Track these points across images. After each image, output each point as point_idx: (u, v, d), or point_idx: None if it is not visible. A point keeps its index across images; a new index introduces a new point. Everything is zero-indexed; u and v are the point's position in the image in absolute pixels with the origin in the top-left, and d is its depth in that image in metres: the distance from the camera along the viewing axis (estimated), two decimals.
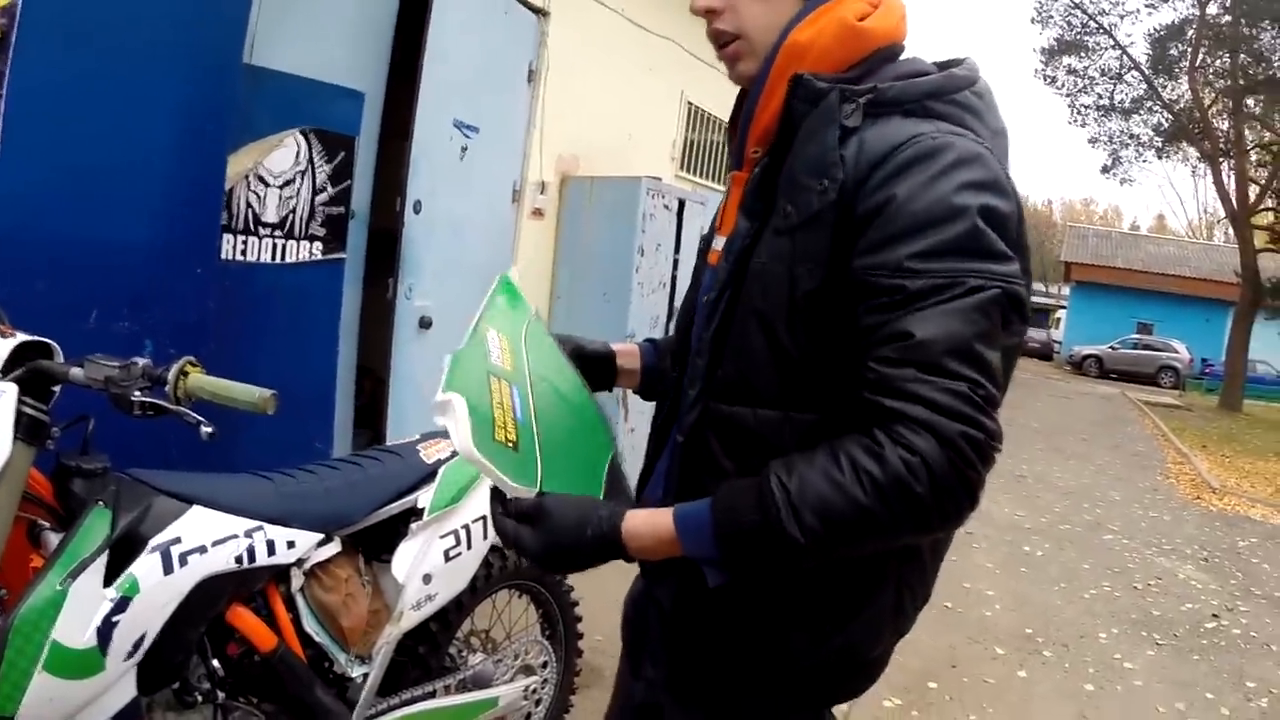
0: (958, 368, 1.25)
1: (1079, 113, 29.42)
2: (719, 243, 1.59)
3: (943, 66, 1.52)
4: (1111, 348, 35.54)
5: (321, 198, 3.72)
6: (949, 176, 1.33)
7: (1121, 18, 31.28)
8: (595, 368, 1.83)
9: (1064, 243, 44.23)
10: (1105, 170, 30.50)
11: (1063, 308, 46.16)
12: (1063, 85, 29.15)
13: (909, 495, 1.23)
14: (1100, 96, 28.53)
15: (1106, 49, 28.01)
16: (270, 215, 3.53)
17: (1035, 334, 44.76)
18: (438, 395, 1.33)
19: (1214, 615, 6.26)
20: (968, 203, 1.32)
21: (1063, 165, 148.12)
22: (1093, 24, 27.57)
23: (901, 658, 4.70)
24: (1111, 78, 28.20)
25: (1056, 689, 4.75)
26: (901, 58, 1.53)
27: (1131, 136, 28.72)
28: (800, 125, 1.44)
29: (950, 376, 1.25)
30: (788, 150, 1.45)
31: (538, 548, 1.38)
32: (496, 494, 1.42)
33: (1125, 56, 27.68)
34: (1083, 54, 28.39)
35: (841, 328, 1.35)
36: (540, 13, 5.52)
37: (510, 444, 1.37)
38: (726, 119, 1.63)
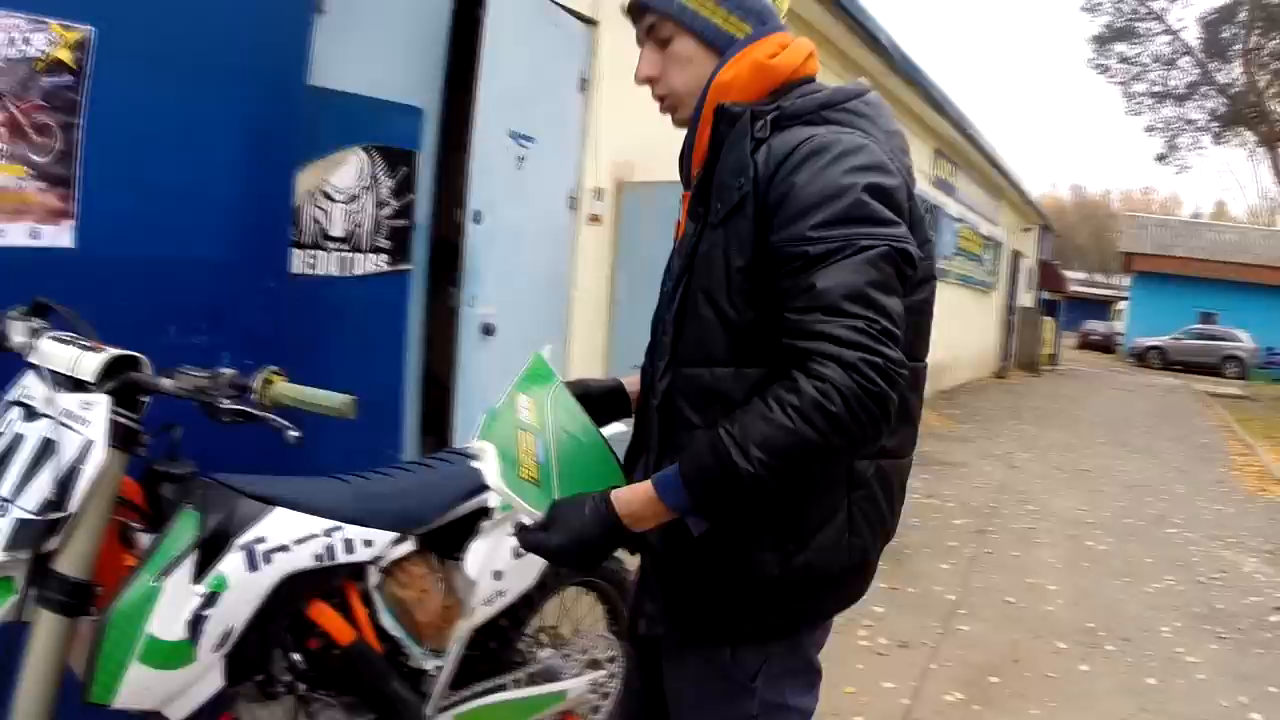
0: (854, 309, 1.56)
1: (1133, 101, 29.11)
2: (674, 251, 1.95)
3: None
4: (1174, 338, 34.94)
5: (385, 211, 3.84)
6: (837, 163, 1.66)
7: (1172, 2, 30.86)
8: (607, 402, 2.19)
9: (1123, 233, 43.36)
10: (1161, 158, 30.21)
11: (1124, 299, 45.28)
12: (1115, 73, 28.92)
13: (827, 414, 1.52)
14: (1153, 83, 28.28)
15: (1158, 34, 27.73)
16: (337, 230, 3.66)
17: (1096, 326, 44.09)
18: (473, 444, 1.78)
19: (1278, 608, 6.16)
20: (854, 181, 1.64)
21: (1120, 155, 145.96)
22: (1143, 9, 27.26)
23: (963, 652, 4.83)
24: (1164, 64, 27.95)
25: (1118, 683, 4.72)
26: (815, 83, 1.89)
27: (1188, 122, 28.36)
28: (724, 142, 1.79)
29: (848, 316, 1.55)
30: (716, 164, 1.80)
31: (558, 543, 1.67)
32: (520, 525, 1.75)
33: (1177, 41, 27.33)
34: (1134, 40, 28.10)
35: (768, 294, 1.67)
36: (590, 22, 5.60)
37: (532, 480, 1.76)
38: None
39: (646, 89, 1.94)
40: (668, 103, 1.93)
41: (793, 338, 1.60)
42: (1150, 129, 31.37)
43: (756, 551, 1.75)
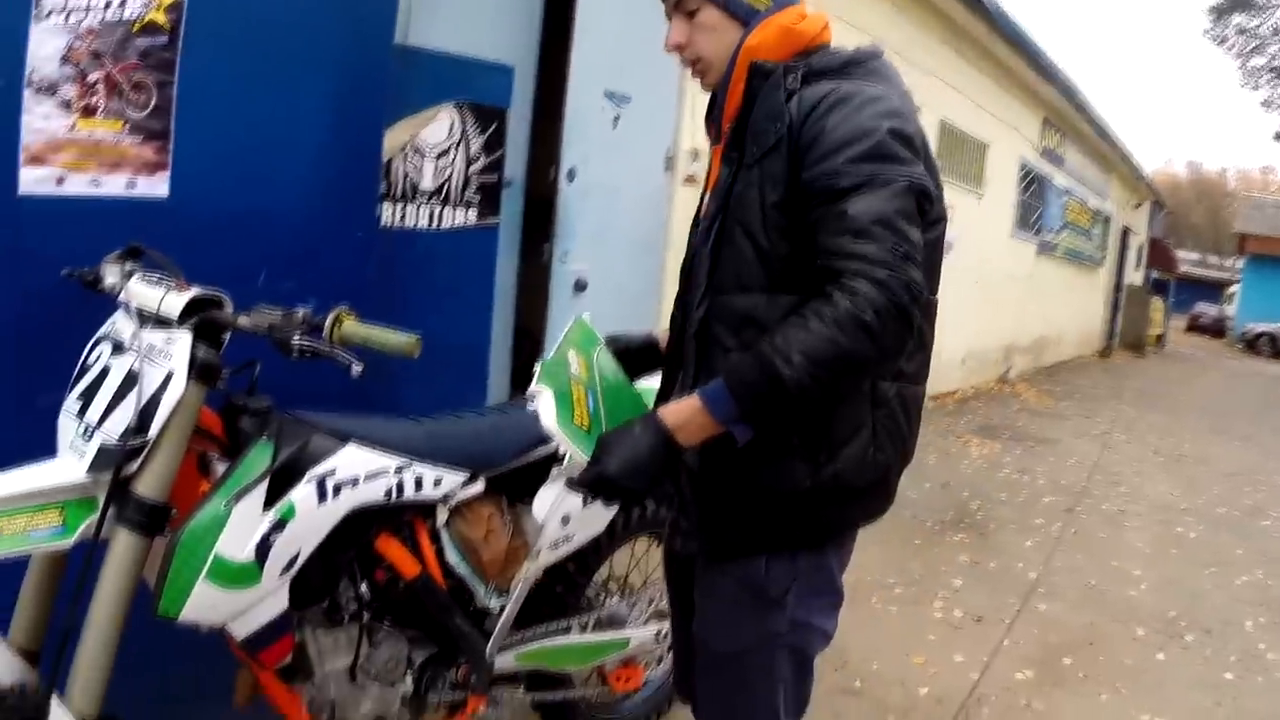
0: (881, 232, 1.71)
1: (1251, 75, 28.13)
2: (707, 198, 2.10)
3: None
4: None
5: (475, 167, 3.92)
6: (864, 109, 1.83)
7: None
8: (643, 355, 2.43)
9: (1239, 213, 41.87)
10: (1279, 136, 29.12)
11: (1236, 282, 43.76)
12: (1233, 45, 27.92)
13: (861, 323, 1.66)
14: (1273, 57, 27.22)
15: (1278, 6, 26.69)
16: (427, 184, 3.75)
17: (1206, 309, 42.69)
18: (532, 387, 1.95)
19: None
20: (878, 124, 1.81)
21: (1239, 131, 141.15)
22: None
23: (1038, 631, 4.83)
24: None
25: (1195, 676, 4.62)
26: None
27: None
28: (758, 95, 1.95)
29: (875, 239, 1.71)
30: (749, 114, 1.95)
31: (614, 466, 1.78)
32: (569, 479, 1.88)
33: None
34: (1253, 12, 27.08)
35: (800, 226, 1.83)
36: None
37: (584, 427, 1.91)
38: None
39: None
40: (698, 67, 2.08)
41: (827, 258, 1.75)
42: (1268, 104, 30.32)
43: (789, 463, 1.91)
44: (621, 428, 1.83)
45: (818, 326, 1.68)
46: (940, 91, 10.46)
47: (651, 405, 2.13)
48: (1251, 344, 34.26)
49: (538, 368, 1.97)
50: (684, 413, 1.81)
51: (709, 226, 2.02)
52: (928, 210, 1.86)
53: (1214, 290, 50.03)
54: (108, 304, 2.16)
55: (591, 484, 1.81)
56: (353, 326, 1.87)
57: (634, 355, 2.36)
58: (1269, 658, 4.93)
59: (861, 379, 1.88)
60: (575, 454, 1.86)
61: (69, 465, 1.93)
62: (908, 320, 1.70)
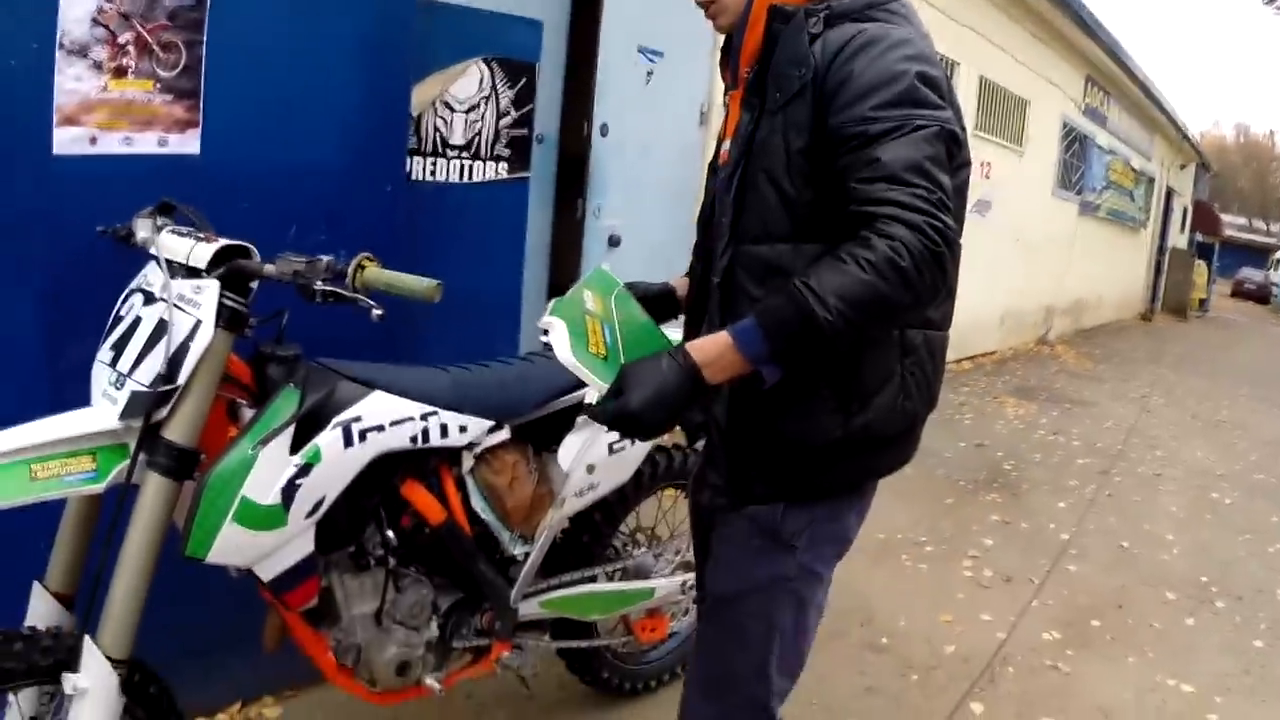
0: (914, 179, 1.68)
1: None
2: (726, 145, 2.04)
3: None
4: None
5: (505, 121, 3.93)
6: (891, 52, 1.79)
7: None
8: (660, 303, 2.34)
9: None
10: None
11: None
12: None
13: (898, 267, 1.63)
14: None
15: None
16: (457, 138, 3.76)
17: (1252, 275, 42.10)
18: (543, 319, 1.87)
19: None
20: (906, 68, 1.77)
21: None
22: None
23: (1067, 592, 4.83)
24: None
25: (1224, 641, 4.61)
26: None
27: None
28: (779, 39, 1.90)
29: (909, 185, 1.67)
30: (770, 58, 1.90)
31: (638, 402, 1.70)
32: (588, 406, 1.87)
33: None
34: None
35: (827, 173, 1.79)
36: None
37: (600, 355, 1.84)
38: None
39: None
40: (713, 8, 2.03)
41: (860, 204, 1.70)
42: None
43: (820, 415, 1.89)
44: (647, 359, 1.75)
45: (855, 270, 1.65)
46: (979, 47, 10.35)
47: (665, 339, 2.06)
48: None
49: (550, 303, 1.93)
50: (713, 349, 1.73)
51: (731, 174, 1.96)
52: (956, 154, 1.83)
53: (1260, 256, 49.33)
54: (141, 259, 2.20)
55: (613, 417, 1.73)
56: (375, 272, 1.89)
57: (651, 303, 2.25)
58: None
59: (894, 324, 1.87)
60: (593, 382, 1.79)
61: (102, 412, 1.96)
62: (943, 265, 1.68)
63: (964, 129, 1.91)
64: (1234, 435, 9.70)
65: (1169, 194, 23.63)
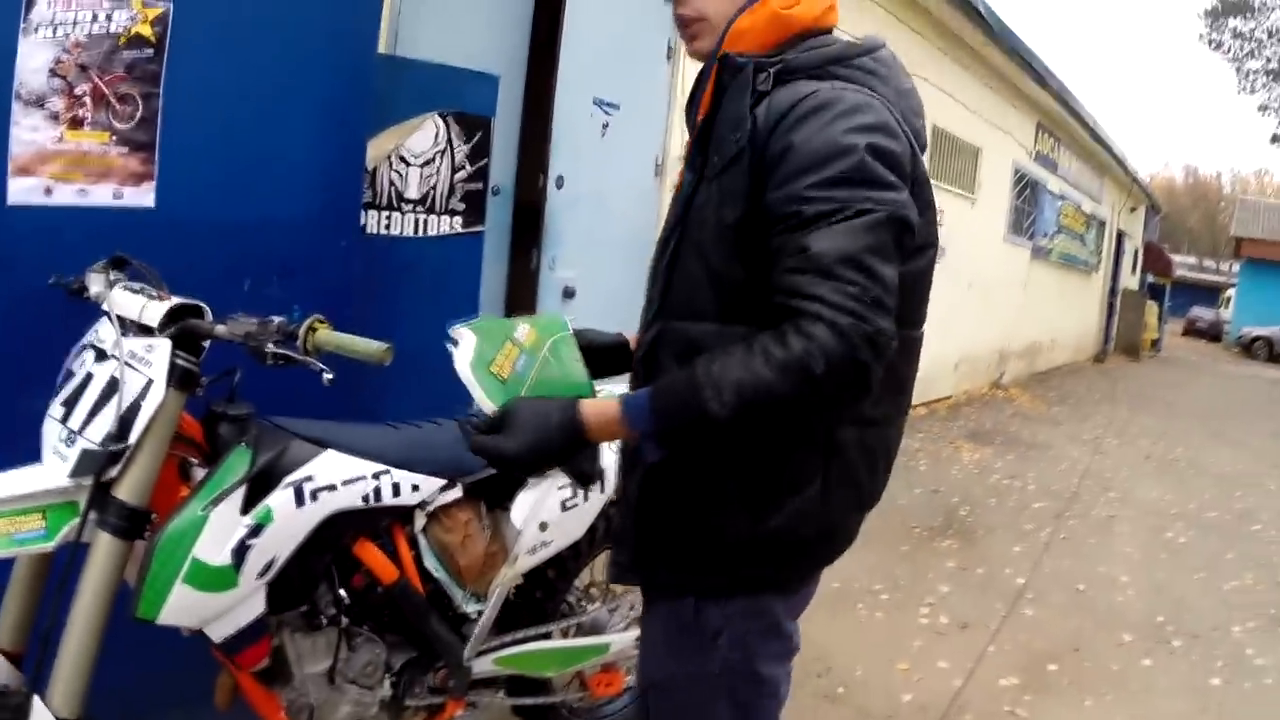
0: (848, 273, 1.52)
1: (1247, 78, 28.25)
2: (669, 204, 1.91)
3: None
4: None
5: (460, 175, 3.94)
6: (839, 122, 1.61)
7: None
8: (610, 355, 2.17)
9: (1234, 217, 41.83)
10: (1276, 139, 29.27)
11: (1232, 286, 43.73)
12: (1229, 49, 28.04)
13: (808, 373, 1.49)
14: (1269, 60, 27.33)
15: (1274, 9, 26.81)
16: (412, 192, 3.77)
17: (1203, 314, 42.72)
18: (454, 328, 1.82)
19: None
20: (855, 141, 1.59)
21: (1233, 135, 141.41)
22: None
23: (1024, 636, 4.85)
24: None
25: (1181, 680, 4.62)
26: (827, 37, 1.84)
27: None
28: (725, 93, 1.75)
29: (840, 280, 1.51)
30: (716, 115, 1.76)
31: (512, 446, 1.63)
32: (472, 427, 1.77)
33: None
34: (1249, 15, 27.19)
35: (758, 253, 1.63)
36: None
37: (501, 377, 1.75)
38: None
39: None
40: (692, 29, 1.86)
41: (785, 296, 1.56)
42: (1264, 108, 30.44)
43: (729, 511, 1.74)
44: (538, 401, 1.69)
45: (760, 367, 1.52)
46: (932, 96, 10.47)
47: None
48: (1248, 348, 34.21)
49: (477, 319, 1.88)
50: (602, 415, 1.65)
51: (665, 240, 1.84)
52: (906, 242, 1.65)
53: (1211, 294, 50.04)
54: (94, 312, 2.20)
55: (488, 453, 1.66)
56: (325, 335, 1.90)
57: (601, 354, 2.12)
58: (1257, 663, 4.92)
59: (808, 431, 1.71)
60: (481, 399, 1.72)
61: (52, 470, 1.96)
62: (865, 376, 1.53)
63: (931, 205, 1.79)
64: (1187, 473, 9.79)
65: (1120, 236, 23.96)
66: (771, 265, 1.61)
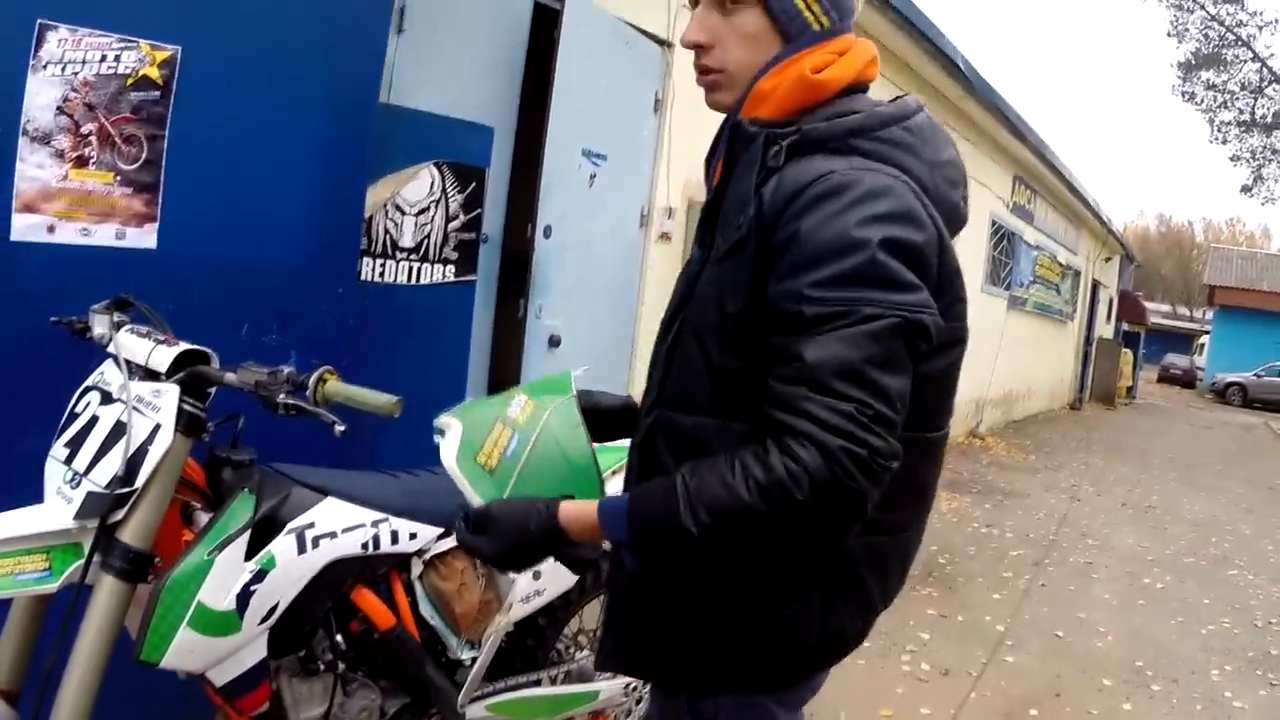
0: (845, 388, 1.37)
1: (1219, 129, 28.68)
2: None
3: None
4: (1256, 375, 34.04)
5: (454, 224, 4.00)
6: (852, 210, 1.45)
7: (1260, 29, 30.09)
8: (616, 420, 2.10)
9: (1207, 265, 42.33)
10: (1246, 190, 29.74)
11: (1206, 333, 44.18)
12: (1201, 101, 28.48)
13: (789, 499, 1.36)
14: (1241, 111, 27.74)
15: (1245, 62, 27.25)
16: (407, 240, 3.83)
17: (1177, 360, 43.10)
18: (440, 418, 1.78)
19: None
20: (868, 235, 1.43)
21: (1205, 184, 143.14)
22: (1230, 36, 26.82)
23: (1005, 683, 4.88)
24: (1252, 92, 27.44)
25: None
26: (863, 95, 1.68)
27: (1275, 152, 27.82)
28: (736, 165, 1.62)
29: (837, 396, 1.37)
30: (726, 190, 1.64)
31: (491, 550, 1.61)
32: (458, 522, 1.68)
33: (1266, 70, 26.84)
34: (1221, 68, 27.65)
35: (761, 349, 1.49)
36: (664, 44, 5.72)
37: (488, 469, 1.72)
38: None
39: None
40: (712, 78, 1.69)
41: (773, 407, 1.44)
42: (1235, 158, 30.81)
43: (720, 614, 1.63)
44: (518, 503, 1.63)
45: (739, 486, 1.40)
46: None
47: (599, 473, 1.89)
48: (1222, 394, 34.64)
49: (459, 405, 1.85)
50: (580, 520, 1.57)
51: (668, 321, 1.72)
52: (924, 348, 1.48)
53: (1185, 341, 50.54)
54: (96, 352, 2.22)
55: (470, 551, 1.67)
56: (336, 386, 1.92)
57: (606, 419, 2.07)
58: (1235, 705, 5.01)
59: (802, 543, 1.53)
60: (468, 494, 1.71)
61: (56, 511, 1.98)
62: (856, 502, 1.38)
63: (958, 299, 1.64)
64: (1164, 520, 9.86)
65: (1095, 286, 24.14)
66: (768, 367, 1.48)
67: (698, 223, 1.73)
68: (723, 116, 1.72)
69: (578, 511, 1.59)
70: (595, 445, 1.92)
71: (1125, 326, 29.18)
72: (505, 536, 1.60)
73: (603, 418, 2.06)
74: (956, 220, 1.69)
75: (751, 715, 1.75)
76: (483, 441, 1.75)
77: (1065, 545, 8.23)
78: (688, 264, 1.74)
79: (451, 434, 1.74)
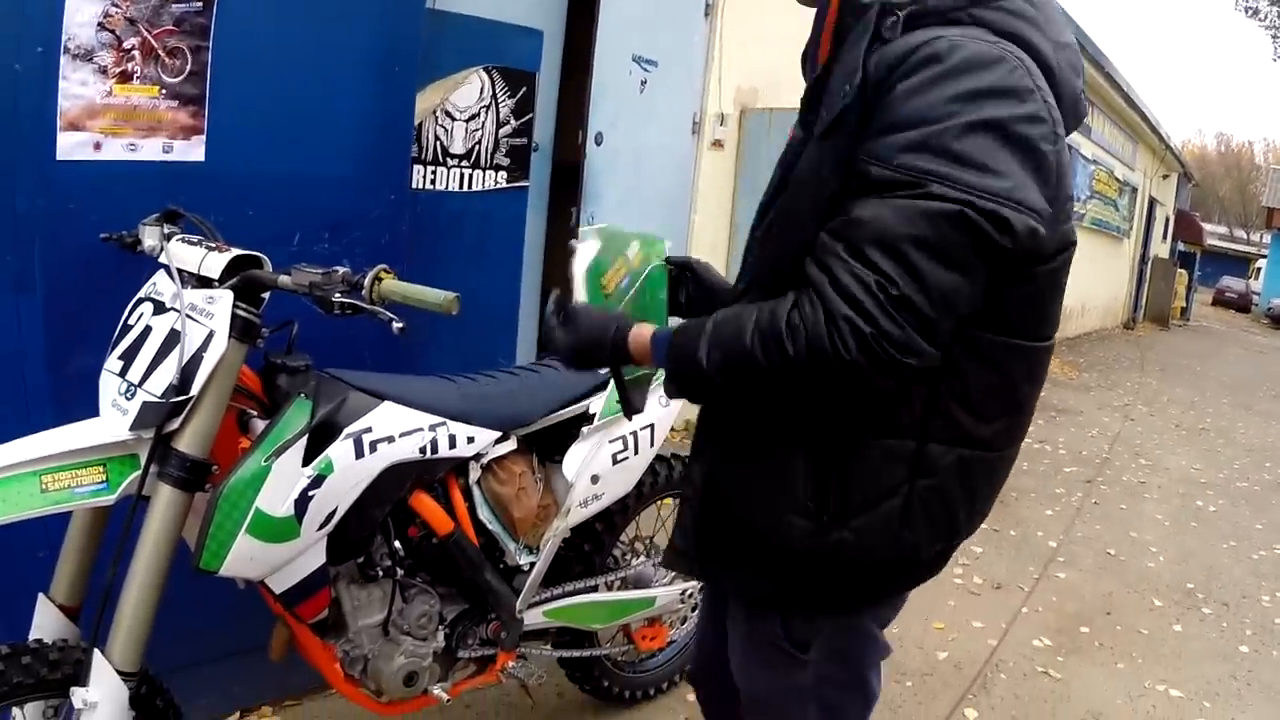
0: (876, 258, 1.30)
1: None
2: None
3: None
4: None
5: (505, 130, 3.94)
6: (951, 80, 1.35)
7: None
8: (716, 301, 1.96)
9: (1267, 187, 41.40)
10: None
11: (1263, 256, 43.32)
12: (1265, 16, 27.61)
13: (782, 351, 1.35)
14: None
15: None
16: (457, 147, 3.77)
17: (1232, 283, 42.43)
18: (584, 230, 1.87)
19: None
20: (957, 110, 1.33)
21: (1267, 104, 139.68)
22: None
23: (1056, 599, 4.85)
24: None
25: (1210, 647, 4.64)
26: None
27: None
28: (846, 38, 1.51)
29: (864, 264, 1.31)
30: (835, 63, 1.53)
31: (565, 340, 1.68)
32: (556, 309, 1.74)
33: None
34: None
35: None
36: None
37: (605, 294, 1.82)
38: None
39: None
40: None
41: (810, 258, 1.40)
42: None
43: (789, 514, 1.56)
44: (599, 311, 1.70)
45: (746, 330, 1.39)
46: None
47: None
48: (1277, 319, 34.01)
49: (604, 225, 1.94)
50: (639, 338, 1.61)
51: (765, 206, 1.65)
52: (1004, 244, 1.34)
53: (1241, 264, 49.72)
54: (147, 266, 2.19)
55: (547, 335, 1.72)
56: (392, 284, 1.88)
57: (705, 291, 2.04)
58: None
59: (892, 443, 1.51)
60: (576, 287, 1.80)
61: (111, 423, 1.96)
62: (852, 376, 1.32)
63: (1068, 198, 1.51)
64: (1217, 443, 9.76)
65: (1151, 203, 23.74)
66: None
67: (801, 103, 1.66)
68: (810, 15, 1.65)
69: (639, 332, 1.63)
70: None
71: (1181, 247, 28.75)
72: (583, 332, 1.66)
73: (706, 291, 2.04)
74: (1078, 112, 1.58)
75: (848, 632, 1.74)
76: (608, 267, 1.84)
77: (1118, 464, 8.16)
78: (786, 148, 1.67)
79: (587, 248, 1.82)
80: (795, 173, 1.55)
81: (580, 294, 1.77)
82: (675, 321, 1.82)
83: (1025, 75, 1.40)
